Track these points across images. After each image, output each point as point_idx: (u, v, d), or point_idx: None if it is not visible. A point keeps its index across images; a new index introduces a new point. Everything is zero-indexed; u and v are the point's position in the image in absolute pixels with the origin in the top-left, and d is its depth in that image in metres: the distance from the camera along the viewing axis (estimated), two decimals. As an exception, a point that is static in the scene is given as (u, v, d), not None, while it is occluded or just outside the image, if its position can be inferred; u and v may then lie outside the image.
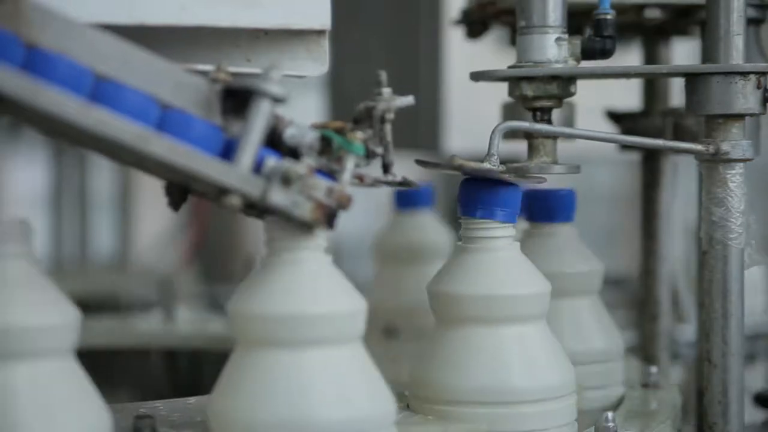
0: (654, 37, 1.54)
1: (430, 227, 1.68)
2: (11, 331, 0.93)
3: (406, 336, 1.58)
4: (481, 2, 1.45)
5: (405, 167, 1.15)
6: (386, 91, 1.07)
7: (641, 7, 1.39)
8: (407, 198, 1.68)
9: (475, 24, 1.50)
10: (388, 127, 1.07)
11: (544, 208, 1.30)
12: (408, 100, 1.08)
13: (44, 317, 0.95)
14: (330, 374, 1.00)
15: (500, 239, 1.14)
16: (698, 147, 1.22)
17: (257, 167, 0.99)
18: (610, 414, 1.14)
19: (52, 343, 0.95)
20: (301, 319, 1.00)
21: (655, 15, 1.40)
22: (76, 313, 0.97)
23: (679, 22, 1.46)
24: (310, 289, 1.01)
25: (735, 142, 1.21)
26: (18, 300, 0.94)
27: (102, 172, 3.37)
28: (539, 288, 1.14)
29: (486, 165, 1.16)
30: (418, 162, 1.21)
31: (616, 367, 1.30)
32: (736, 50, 1.20)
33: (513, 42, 1.34)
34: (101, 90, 0.98)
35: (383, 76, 1.07)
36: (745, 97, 1.20)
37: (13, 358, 0.93)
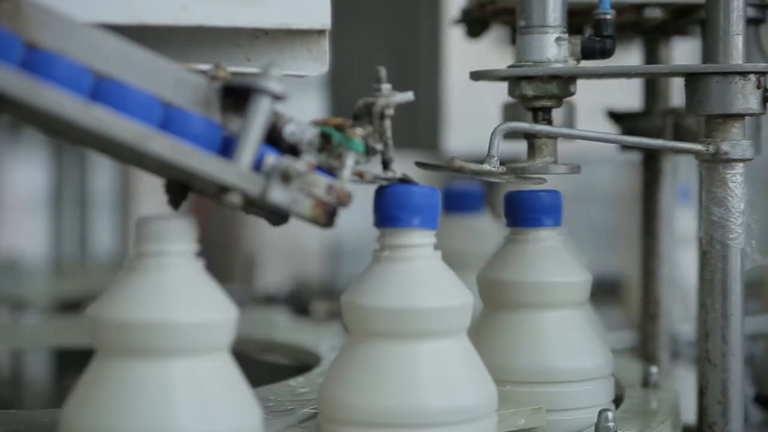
0: (654, 37, 1.54)
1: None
2: (171, 328, 0.94)
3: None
4: (481, 1, 1.45)
5: (405, 167, 1.15)
6: (386, 86, 1.07)
7: (641, 7, 1.40)
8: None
9: (475, 23, 1.50)
10: (387, 123, 1.07)
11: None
12: (407, 95, 1.08)
13: (204, 315, 0.95)
14: (435, 366, 1.02)
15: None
16: (698, 147, 1.22)
17: (257, 165, 0.99)
18: (610, 414, 1.14)
19: (210, 340, 0.95)
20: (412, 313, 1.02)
21: (655, 14, 1.40)
22: (234, 310, 0.97)
23: (678, 22, 1.46)
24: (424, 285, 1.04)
25: (735, 141, 1.21)
26: (180, 297, 0.95)
27: (102, 172, 3.37)
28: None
29: (486, 166, 1.16)
30: (418, 164, 1.21)
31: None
32: (735, 50, 1.20)
33: (513, 41, 1.34)
34: (103, 90, 0.98)
35: (383, 72, 1.07)
36: (744, 96, 1.20)
37: (172, 354, 0.94)
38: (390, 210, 1.06)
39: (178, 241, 0.97)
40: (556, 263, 1.21)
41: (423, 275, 1.06)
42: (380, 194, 1.07)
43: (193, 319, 0.95)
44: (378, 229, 1.08)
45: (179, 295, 0.96)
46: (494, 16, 1.46)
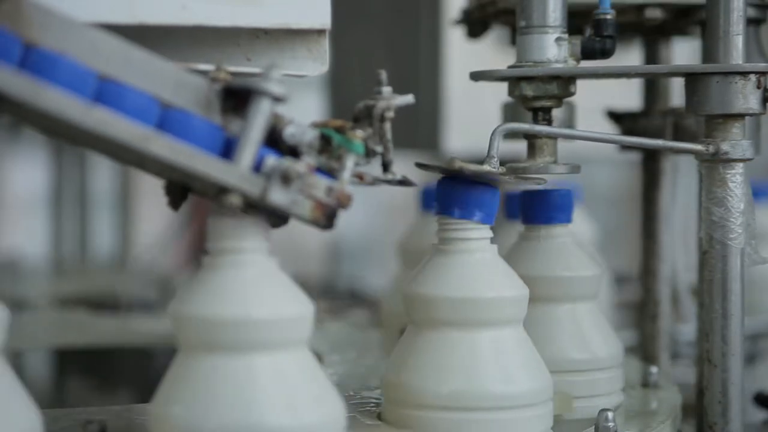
0: (654, 37, 1.54)
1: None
2: (251, 323, 0.96)
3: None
4: (481, 2, 1.45)
5: (405, 167, 1.15)
6: (386, 89, 1.07)
7: (641, 7, 1.40)
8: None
9: (475, 24, 1.50)
10: (387, 126, 1.07)
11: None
12: (408, 98, 1.08)
13: (282, 310, 0.98)
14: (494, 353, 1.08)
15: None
16: (698, 147, 1.22)
17: (257, 166, 0.99)
18: (610, 414, 1.14)
19: (289, 334, 0.98)
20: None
21: (655, 15, 1.40)
22: (311, 306, 1.00)
23: (679, 22, 1.46)
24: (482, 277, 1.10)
25: (735, 141, 1.21)
26: (259, 293, 0.98)
27: (102, 172, 3.37)
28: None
29: (486, 167, 1.16)
30: (418, 165, 1.21)
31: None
32: (735, 50, 1.21)
33: (513, 42, 1.35)
34: (103, 90, 0.98)
35: (383, 74, 1.08)
36: (745, 96, 1.20)
37: (253, 349, 0.96)
38: (453, 202, 1.11)
39: (253, 239, 0.99)
40: (570, 258, 1.24)
41: (482, 267, 1.11)
42: (442, 185, 1.12)
43: (272, 314, 0.97)
44: (438, 219, 1.12)
45: (258, 291, 0.98)
46: (494, 17, 1.46)
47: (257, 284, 0.99)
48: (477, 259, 1.11)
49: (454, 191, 1.12)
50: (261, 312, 0.97)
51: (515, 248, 1.27)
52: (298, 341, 0.99)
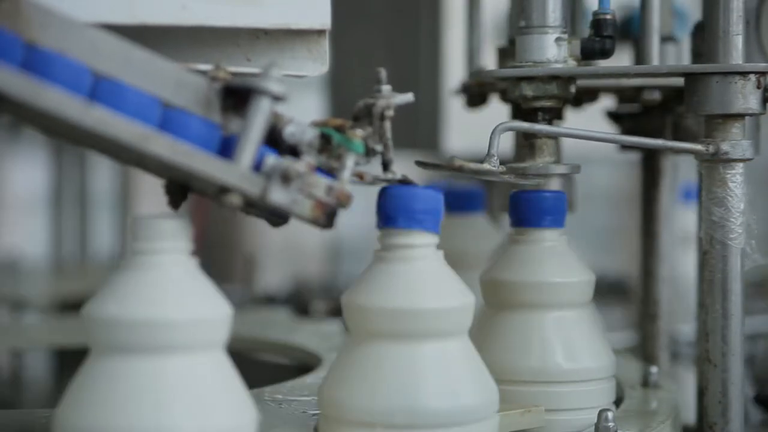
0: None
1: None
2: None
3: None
4: (479, 80, 1.46)
5: (405, 167, 1.15)
6: (386, 88, 1.07)
7: (639, 89, 1.40)
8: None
9: (474, 96, 1.51)
10: (387, 125, 1.07)
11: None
12: (407, 97, 1.08)
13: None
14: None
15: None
16: (698, 147, 1.22)
17: (257, 165, 0.99)
18: (610, 414, 1.14)
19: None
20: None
21: (653, 97, 1.40)
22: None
23: (679, 98, 1.46)
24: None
25: (735, 141, 1.21)
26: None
27: (102, 172, 3.37)
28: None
29: (486, 165, 1.16)
30: (418, 163, 1.21)
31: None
32: (735, 50, 1.21)
33: (513, 116, 1.38)
34: (101, 89, 0.98)
35: (383, 73, 1.07)
36: (744, 96, 1.20)
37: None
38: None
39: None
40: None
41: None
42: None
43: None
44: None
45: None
46: (492, 90, 1.47)
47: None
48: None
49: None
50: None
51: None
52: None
